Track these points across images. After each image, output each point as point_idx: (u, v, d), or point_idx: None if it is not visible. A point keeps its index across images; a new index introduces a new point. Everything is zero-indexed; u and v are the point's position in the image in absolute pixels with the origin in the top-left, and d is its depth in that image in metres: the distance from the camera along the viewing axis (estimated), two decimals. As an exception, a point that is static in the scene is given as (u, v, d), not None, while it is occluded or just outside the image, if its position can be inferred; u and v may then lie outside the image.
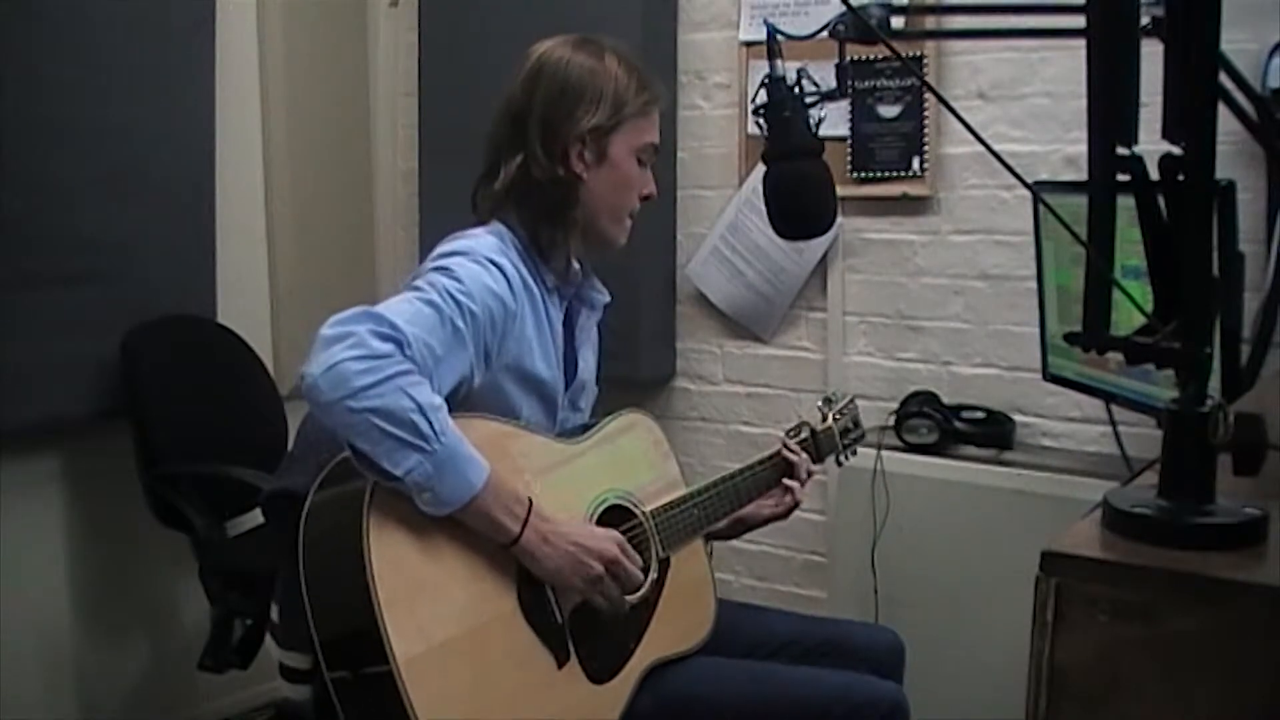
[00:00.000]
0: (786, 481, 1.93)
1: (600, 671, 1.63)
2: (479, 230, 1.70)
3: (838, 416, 2.06)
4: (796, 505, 1.94)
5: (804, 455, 1.94)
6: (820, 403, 2.09)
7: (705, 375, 3.18)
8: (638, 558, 1.63)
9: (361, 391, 1.38)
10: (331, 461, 1.52)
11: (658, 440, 1.84)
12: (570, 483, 1.66)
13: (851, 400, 2.12)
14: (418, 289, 1.53)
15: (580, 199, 1.71)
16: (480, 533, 1.50)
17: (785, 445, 1.94)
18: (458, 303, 1.53)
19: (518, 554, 1.53)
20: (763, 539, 3.07)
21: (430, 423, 1.41)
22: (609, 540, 1.59)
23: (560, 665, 1.57)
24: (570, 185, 1.70)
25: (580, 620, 1.61)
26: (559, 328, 1.76)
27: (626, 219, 1.77)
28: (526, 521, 1.51)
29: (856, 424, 2.11)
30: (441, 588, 1.48)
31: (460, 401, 1.56)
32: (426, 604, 1.45)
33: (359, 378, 1.39)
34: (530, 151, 1.69)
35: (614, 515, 1.69)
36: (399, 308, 1.48)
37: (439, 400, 1.45)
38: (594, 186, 1.71)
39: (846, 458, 2.09)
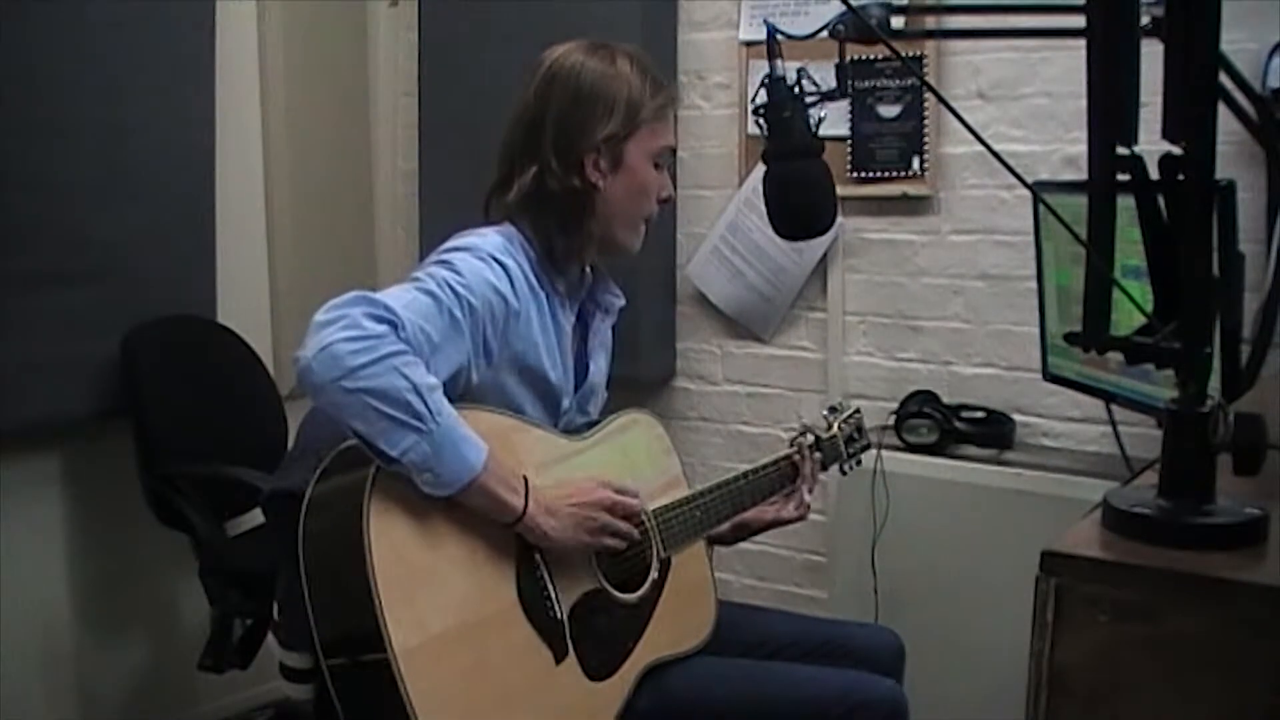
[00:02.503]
0: (799, 495, 1.93)
1: (598, 669, 1.63)
2: (487, 229, 1.69)
3: (843, 425, 2.06)
4: (804, 514, 1.95)
5: (814, 464, 1.94)
6: (826, 411, 2.09)
7: (705, 375, 3.18)
8: (630, 487, 1.65)
9: (355, 371, 1.38)
10: (331, 453, 1.52)
11: (661, 440, 1.84)
12: (571, 479, 1.66)
13: (857, 409, 2.13)
14: (416, 279, 1.54)
15: (596, 208, 1.70)
16: (484, 513, 1.50)
17: (798, 452, 1.94)
18: (456, 294, 1.53)
19: (523, 531, 1.53)
20: (763, 538, 3.03)
21: (425, 402, 1.41)
22: (596, 485, 1.62)
23: (558, 661, 1.57)
24: (586, 195, 1.69)
25: (579, 617, 1.61)
26: (568, 330, 1.76)
27: (643, 225, 1.77)
28: (528, 496, 1.52)
29: (861, 432, 2.11)
30: (442, 579, 1.48)
31: (461, 396, 1.57)
32: (426, 595, 1.46)
33: (352, 358, 1.38)
34: (545, 162, 1.68)
35: None
36: (395, 294, 1.48)
37: (435, 380, 1.45)
38: (610, 195, 1.71)
39: (851, 467, 2.09)
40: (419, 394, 1.41)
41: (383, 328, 1.42)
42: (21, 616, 2.59)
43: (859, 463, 2.12)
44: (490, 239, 1.65)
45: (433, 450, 1.42)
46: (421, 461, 1.42)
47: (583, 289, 1.79)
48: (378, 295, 1.46)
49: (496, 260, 1.61)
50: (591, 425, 1.77)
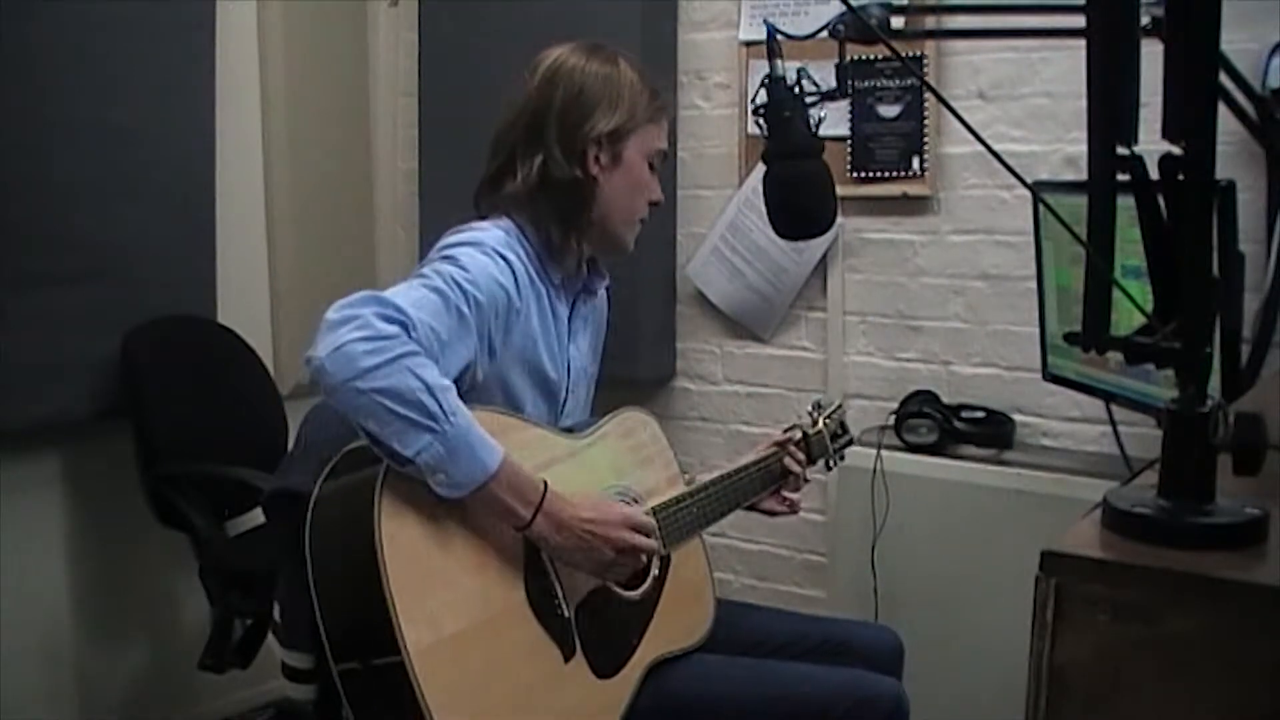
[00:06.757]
0: (786, 494, 1.98)
1: (605, 666, 1.63)
2: (485, 224, 1.70)
3: (827, 421, 2.08)
4: (795, 512, 1.99)
5: (801, 466, 1.98)
6: (810, 407, 2.11)
7: (705, 375, 3.18)
8: (652, 525, 1.64)
9: (368, 372, 1.39)
10: (337, 455, 1.52)
11: (657, 437, 1.85)
12: (573, 477, 1.66)
13: (840, 405, 2.15)
14: (423, 276, 1.54)
15: (595, 201, 1.72)
16: (492, 517, 1.50)
17: (789, 454, 1.96)
18: (463, 290, 1.53)
19: (530, 537, 1.53)
20: (763, 539, 3.08)
21: (439, 402, 1.42)
22: (621, 524, 1.59)
23: (567, 659, 1.58)
24: (586, 187, 1.71)
25: (585, 615, 1.62)
26: (565, 325, 1.77)
27: (637, 223, 1.79)
28: (540, 506, 1.51)
29: (845, 428, 2.14)
30: (452, 578, 1.48)
31: (466, 394, 1.57)
32: (437, 594, 1.46)
33: (365, 358, 1.39)
34: (549, 152, 1.70)
35: None
36: (404, 293, 1.49)
37: (447, 381, 1.45)
38: (608, 188, 1.72)
39: (835, 462, 2.12)
40: (432, 394, 1.41)
41: (394, 328, 1.42)
42: (21, 616, 2.59)
43: (843, 458, 2.15)
44: (491, 233, 1.66)
45: (447, 451, 1.42)
46: (436, 462, 1.42)
47: (579, 282, 1.81)
48: (387, 295, 1.46)
49: (500, 255, 1.62)
50: (589, 422, 1.78)
